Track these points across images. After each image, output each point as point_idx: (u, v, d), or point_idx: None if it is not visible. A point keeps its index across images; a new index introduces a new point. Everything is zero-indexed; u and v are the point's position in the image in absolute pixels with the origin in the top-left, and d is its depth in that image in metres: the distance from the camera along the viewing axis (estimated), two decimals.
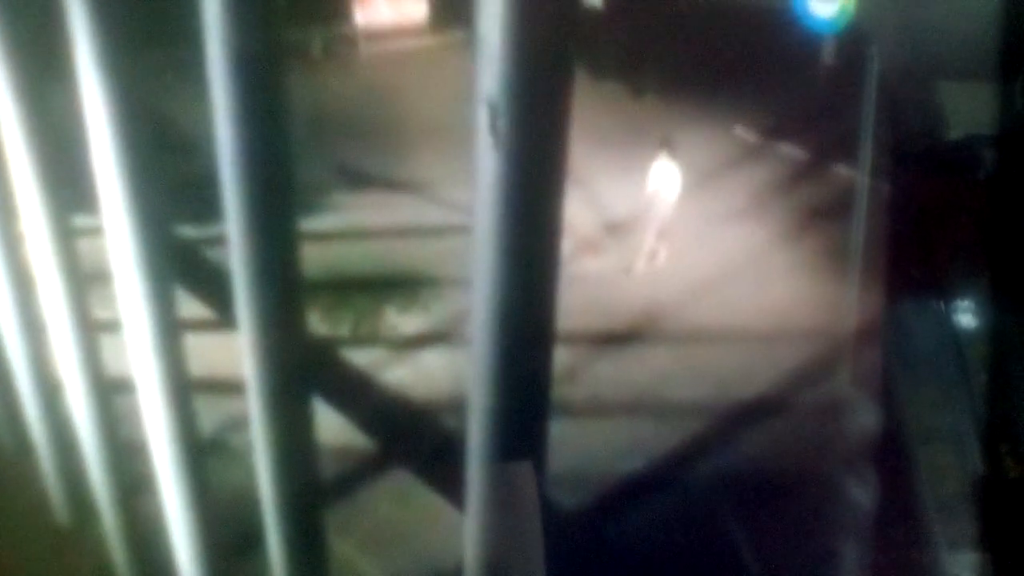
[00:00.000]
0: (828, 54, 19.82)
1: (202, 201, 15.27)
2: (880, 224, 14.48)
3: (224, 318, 11.28)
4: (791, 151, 18.94)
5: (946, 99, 15.08)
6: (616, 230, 16.62)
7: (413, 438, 12.46)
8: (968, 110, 14.57)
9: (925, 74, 15.99)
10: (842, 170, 17.33)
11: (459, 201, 5.64)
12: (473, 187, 4.40)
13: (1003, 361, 11.51)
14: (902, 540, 10.42)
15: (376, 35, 24.60)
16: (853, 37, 19.08)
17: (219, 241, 6.44)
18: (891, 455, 11.18)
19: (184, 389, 7.78)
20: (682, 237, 16.17)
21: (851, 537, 10.63)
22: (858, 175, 16.14)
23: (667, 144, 15.47)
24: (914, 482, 10.77)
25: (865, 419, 12.05)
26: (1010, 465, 10.43)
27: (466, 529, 5.37)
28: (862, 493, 11.03)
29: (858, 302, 13.92)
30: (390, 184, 17.89)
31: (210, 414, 9.65)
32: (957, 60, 16.11)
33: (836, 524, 10.81)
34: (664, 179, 15.29)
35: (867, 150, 16.15)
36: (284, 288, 6.30)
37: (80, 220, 9.19)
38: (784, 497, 11.29)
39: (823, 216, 16.39)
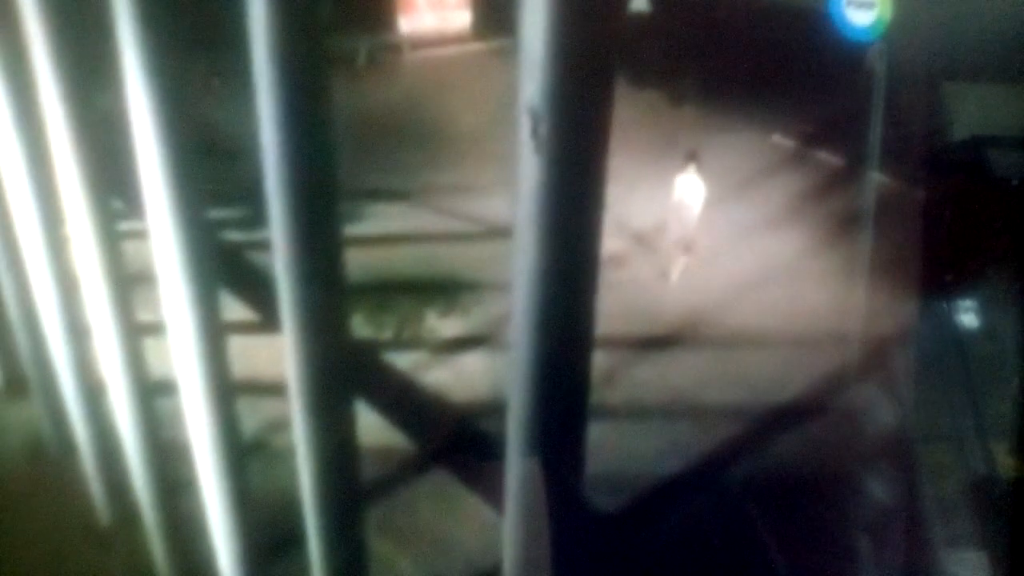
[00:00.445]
0: (871, 61, 19.73)
1: (247, 206, 15.59)
2: (895, 227, 14.49)
3: (268, 321, 11.42)
4: (828, 158, 18.94)
5: (954, 101, 15.08)
6: (649, 239, 16.67)
7: (453, 440, 12.58)
8: (976, 111, 14.57)
9: (934, 75, 15.97)
10: (877, 176, 17.35)
11: (500, 207, 5.75)
12: (514, 192, 4.48)
13: (1004, 361, 11.59)
14: (908, 539, 10.50)
15: (420, 43, 24.78)
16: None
17: (264, 245, 6.53)
18: (899, 455, 11.29)
19: (227, 391, 7.86)
20: (719, 243, 16.25)
21: (876, 538, 10.69)
22: (867, 176, 16.16)
23: (693, 157, 15.54)
24: (915, 481, 10.88)
25: (884, 420, 12.10)
26: (1009, 464, 10.49)
27: (505, 530, 5.44)
28: (888, 494, 11.08)
29: (867, 304, 13.94)
30: (433, 189, 18.05)
31: (252, 415, 9.76)
32: (968, 61, 16.14)
33: (862, 526, 10.87)
34: (688, 191, 15.38)
35: (875, 153, 16.19)
36: (327, 291, 6.38)
37: (126, 224, 9.33)
38: (814, 499, 11.37)
39: (858, 222, 16.40)
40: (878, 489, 11.15)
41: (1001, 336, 12.00)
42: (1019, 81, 15.27)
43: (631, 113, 18.45)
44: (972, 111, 14.67)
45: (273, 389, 7.73)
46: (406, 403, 13.20)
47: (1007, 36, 16.12)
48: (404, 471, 11.91)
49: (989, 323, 12.26)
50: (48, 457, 11.88)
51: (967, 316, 12.30)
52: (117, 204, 9.04)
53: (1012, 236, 12.64)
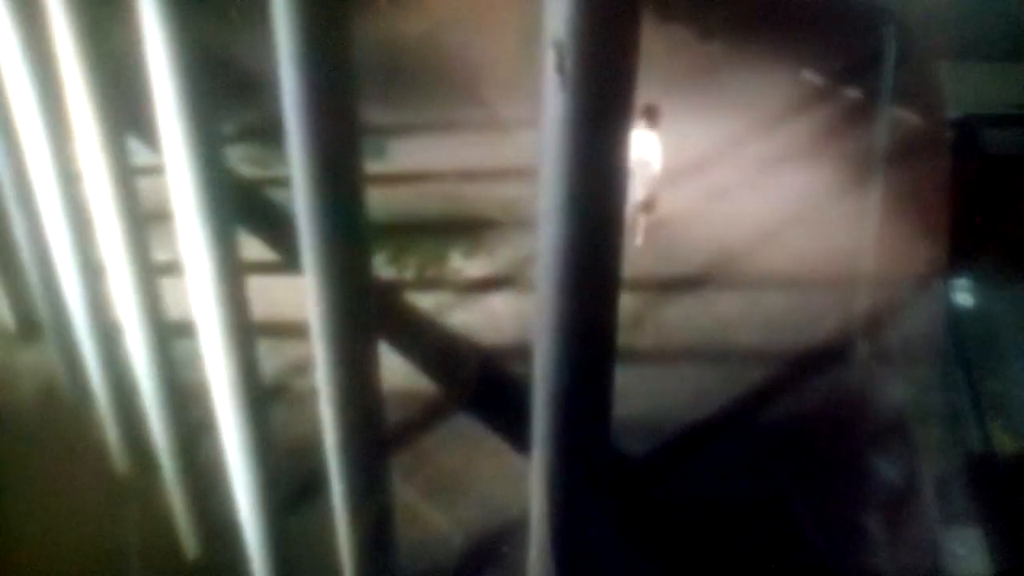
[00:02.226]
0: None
1: (266, 142, 15.66)
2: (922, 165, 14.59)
3: (288, 261, 11.52)
4: (857, 95, 18.87)
5: (947, 79, 15.13)
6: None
7: (478, 383, 12.71)
8: (968, 89, 14.59)
9: (938, 54, 15.96)
10: (904, 115, 17.30)
11: (525, 143, 5.79)
12: (540, 128, 4.54)
13: (999, 339, 11.75)
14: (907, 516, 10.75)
15: None
16: None
17: (283, 182, 6.57)
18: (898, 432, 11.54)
19: (247, 333, 7.91)
20: (747, 182, 16.26)
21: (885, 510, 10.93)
22: (875, 151, 16.20)
23: (649, 113, 15.11)
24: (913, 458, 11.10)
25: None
26: (1005, 442, 10.63)
27: (532, 474, 5.55)
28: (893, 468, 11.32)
29: (874, 272, 14.05)
30: (456, 127, 18.05)
31: (273, 358, 9.87)
32: (959, 39, 16.17)
33: (887, 480, 11.08)
34: (646, 149, 15.01)
35: (883, 129, 16.23)
36: (349, 231, 6.44)
37: (140, 160, 9.35)
38: (835, 446, 11.55)
39: (891, 163, 16.36)
40: (884, 464, 11.38)
41: (996, 314, 12.18)
42: (1010, 59, 15.34)
43: (658, 48, 18.37)
44: (964, 89, 14.71)
45: (295, 331, 7.84)
46: (430, 346, 13.31)
47: (997, 14, 16.21)
48: (429, 415, 12.05)
49: (984, 301, 12.43)
50: (63, 402, 12.00)
51: (962, 294, 12.47)
52: (131, 139, 9.05)
53: (1006, 215, 12.78)
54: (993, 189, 12.89)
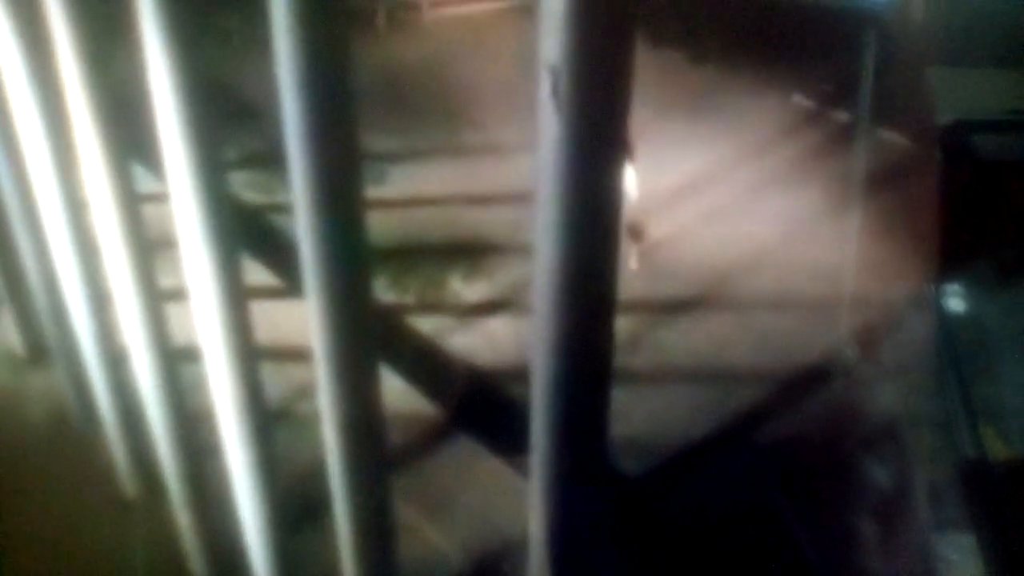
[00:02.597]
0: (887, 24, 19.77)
1: (268, 168, 15.79)
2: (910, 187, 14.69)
3: (291, 285, 11.59)
4: (847, 118, 19.01)
5: (937, 84, 15.23)
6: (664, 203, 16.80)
7: (478, 405, 12.82)
8: (958, 95, 14.68)
9: (927, 61, 16.10)
10: (895, 137, 17.42)
11: (524, 168, 5.84)
12: (535, 153, 4.62)
13: (991, 345, 11.81)
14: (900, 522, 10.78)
15: (440, 1, 24.73)
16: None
17: (285, 208, 6.64)
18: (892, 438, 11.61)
19: (251, 357, 7.99)
20: (739, 204, 16.40)
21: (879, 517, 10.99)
22: (856, 166, 16.31)
23: (624, 148, 15.26)
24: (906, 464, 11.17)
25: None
26: (998, 448, 10.68)
27: (531, 496, 5.61)
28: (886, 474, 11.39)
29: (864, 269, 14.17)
30: (455, 151, 18.20)
31: (277, 382, 9.93)
32: (948, 45, 16.29)
33: (874, 498, 11.15)
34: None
35: (863, 138, 16.36)
36: (350, 255, 6.51)
37: (146, 185, 9.42)
38: (834, 464, 11.62)
39: (876, 183, 16.46)
40: (878, 469, 11.45)
41: (987, 320, 12.26)
42: (1000, 65, 15.45)
43: (651, 71, 18.54)
44: (954, 95, 14.83)
45: (297, 354, 7.89)
46: (430, 368, 13.44)
47: (988, 20, 16.33)
48: (429, 437, 12.13)
49: (976, 307, 12.52)
50: (71, 426, 12.07)
51: (954, 300, 12.55)
52: (136, 166, 9.09)
53: (997, 220, 12.87)
54: (984, 195, 12.98)
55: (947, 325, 12.22)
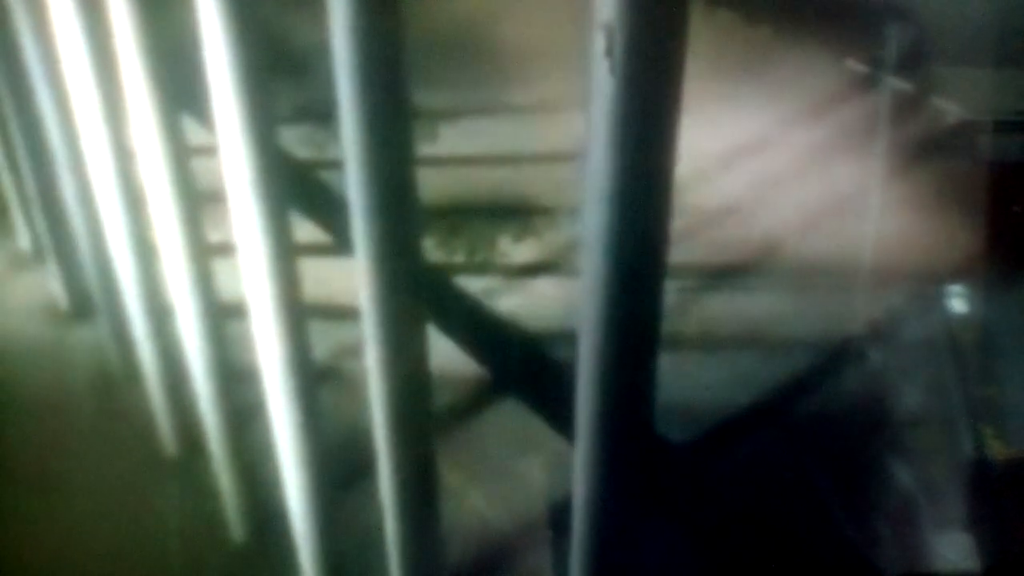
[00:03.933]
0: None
1: (318, 123, 15.91)
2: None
3: (340, 243, 11.68)
4: (900, 84, 18.88)
5: (941, 84, 15.15)
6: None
7: (525, 368, 12.88)
8: (962, 95, 14.60)
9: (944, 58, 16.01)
10: (944, 105, 17.31)
11: (575, 126, 5.79)
12: (587, 113, 4.64)
13: (992, 343, 11.78)
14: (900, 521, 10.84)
15: None
16: None
17: (336, 165, 6.69)
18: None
19: (298, 314, 7.99)
20: (793, 170, 16.32)
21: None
22: (876, 155, 16.24)
23: None
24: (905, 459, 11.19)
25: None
26: (997, 447, 10.67)
27: (575, 461, 5.68)
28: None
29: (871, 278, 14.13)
30: (506, 109, 18.17)
31: (324, 340, 10.02)
32: (951, 45, 16.15)
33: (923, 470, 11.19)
34: None
35: (885, 134, 16.24)
36: (401, 214, 6.49)
37: (196, 136, 9.48)
38: (872, 440, 11.66)
39: (927, 152, 16.38)
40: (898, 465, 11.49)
41: (989, 319, 12.23)
42: (1003, 66, 15.33)
43: (706, 32, 18.56)
44: (966, 95, 14.74)
45: (345, 313, 7.95)
46: (478, 329, 13.48)
47: (990, 20, 16.20)
48: (475, 400, 12.20)
49: (978, 307, 12.49)
50: (113, 382, 12.18)
51: (957, 301, 12.53)
52: (186, 118, 8.98)
53: (1001, 221, 12.84)
54: (994, 195, 12.98)
55: (950, 324, 12.25)
